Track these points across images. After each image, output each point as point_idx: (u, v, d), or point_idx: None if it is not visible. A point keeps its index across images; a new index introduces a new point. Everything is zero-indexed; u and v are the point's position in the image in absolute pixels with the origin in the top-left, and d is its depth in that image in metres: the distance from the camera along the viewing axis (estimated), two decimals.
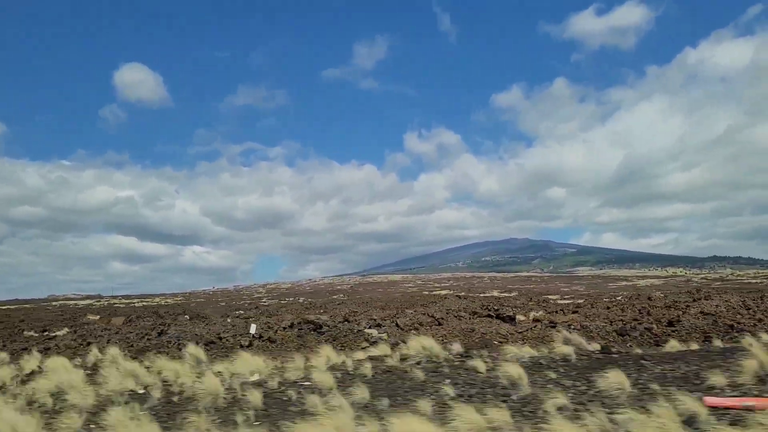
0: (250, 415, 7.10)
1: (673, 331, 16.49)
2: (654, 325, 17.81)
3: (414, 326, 19.47)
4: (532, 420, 6.02)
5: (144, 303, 55.83)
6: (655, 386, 7.29)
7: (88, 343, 17.38)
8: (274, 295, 67.64)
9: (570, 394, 7.11)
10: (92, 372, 10.43)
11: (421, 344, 10.96)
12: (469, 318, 21.37)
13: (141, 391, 8.93)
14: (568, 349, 10.27)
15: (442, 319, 21.23)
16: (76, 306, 51.64)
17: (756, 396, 6.64)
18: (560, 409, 6.47)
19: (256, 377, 9.59)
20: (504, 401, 7.03)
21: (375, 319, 21.65)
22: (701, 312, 19.60)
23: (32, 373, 10.97)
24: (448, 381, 8.52)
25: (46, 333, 24.04)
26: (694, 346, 12.27)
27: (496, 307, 23.78)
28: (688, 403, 5.83)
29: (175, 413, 7.31)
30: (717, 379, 7.41)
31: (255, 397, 7.75)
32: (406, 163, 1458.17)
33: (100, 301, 68.36)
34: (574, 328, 17.49)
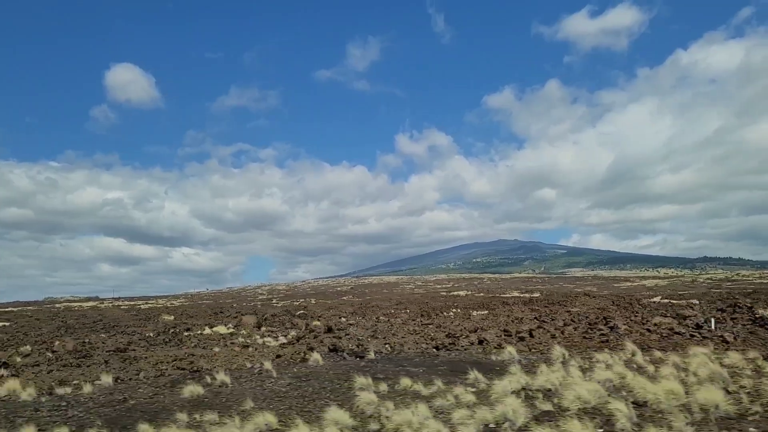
0: None
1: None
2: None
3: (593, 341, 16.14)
4: None
5: (150, 305, 52.84)
6: None
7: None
8: (280, 296, 64.67)
9: None
10: None
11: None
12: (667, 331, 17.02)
13: None
14: None
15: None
16: (99, 308, 48.46)
17: None
18: None
19: None
20: None
21: (509, 332, 18.50)
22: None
23: None
24: None
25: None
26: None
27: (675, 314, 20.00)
28: None
29: None
30: None
31: None
32: (397, 164, 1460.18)
33: (109, 302, 65.08)
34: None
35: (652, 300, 28.36)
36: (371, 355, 15.44)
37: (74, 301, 75.22)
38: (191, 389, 10.98)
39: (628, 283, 72.02)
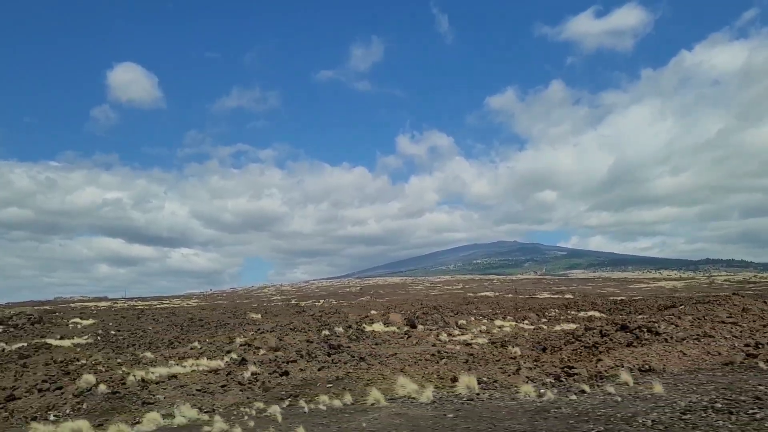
0: None
1: None
2: None
3: None
4: None
5: (165, 305, 51.41)
6: None
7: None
8: (296, 296, 63.19)
9: None
10: None
11: None
12: None
13: None
14: None
15: None
16: (135, 307, 46.82)
17: None
18: None
19: None
20: None
21: None
22: None
23: None
24: None
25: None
26: None
27: None
28: None
29: None
30: None
31: None
32: (398, 165, 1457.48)
33: (123, 302, 63.51)
34: None
35: None
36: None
37: (85, 301, 74.08)
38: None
39: (643, 285, 70.82)
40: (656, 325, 16.69)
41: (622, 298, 38.86)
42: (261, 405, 10.34)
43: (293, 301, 50.94)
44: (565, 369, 13.00)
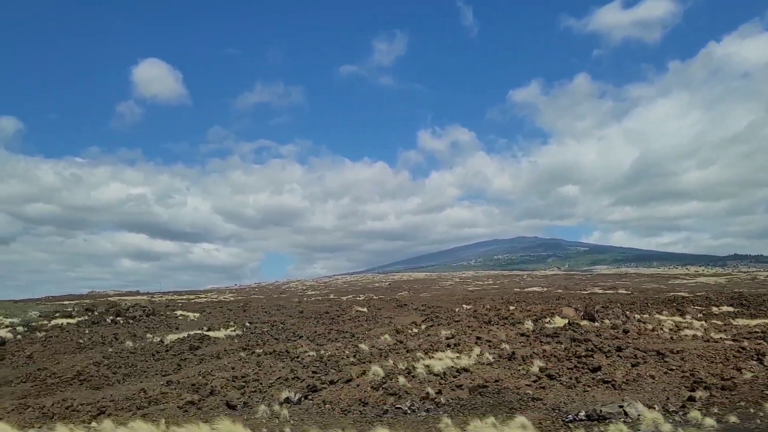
0: None
1: None
2: None
3: None
4: None
5: (202, 299, 53.44)
6: None
7: None
8: (326, 291, 64.83)
9: None
10: None
11: None
12: None
13: None
14: None
15: None
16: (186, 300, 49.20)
17: None
18: None
19: None
20: None
21: None
22: None
23: None
24: None
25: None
26: None
27: None
28: None
29: None
30: None
31: None
32: (418, 160, 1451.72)
33: (159, 296, 66.20)
34: None
35: None
36: None
37: (121, 295, 76.64)
38: None
39: (684, 281, 70.76)
40: None
41: (699, 293, 35.78)
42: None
43: (331, 296, 51.97)
44: None
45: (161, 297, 65.48)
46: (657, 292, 35.52)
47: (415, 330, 20.28)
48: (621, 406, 9.99)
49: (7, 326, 25.45)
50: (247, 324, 25.28)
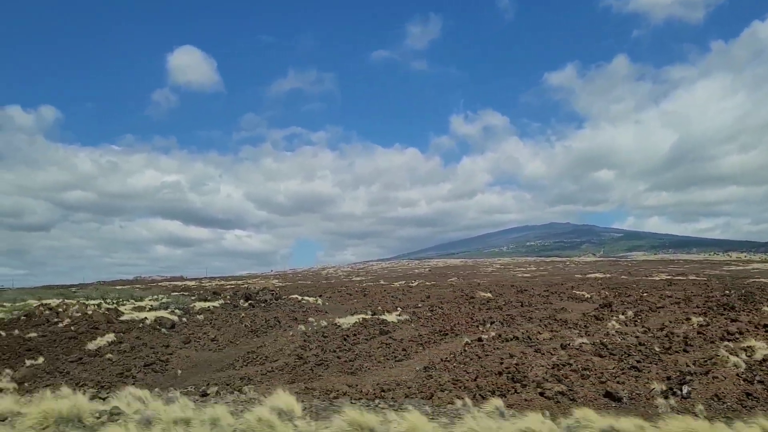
0: None
1: None
2: None
3: None
4: None
5: (238, 284, 56.48)
6: None
7: None
8: (370, 277, 67.89)
9: None
10: None
11: None
12: None
13: None
14: None
15: None
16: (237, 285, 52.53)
17: None
18: None
19: None
20: None
21: None
22: None
23: None
24: None
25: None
26: None
27: None
28: None
29: None
30: None
31: None
32: (450, 146, 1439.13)
33: (207, 281, 70.33)
34: None
35: None
36: None
37: (166, 280, 79.44)
38: None
39: (734, 267, 71.85)
40: None
41: None
42: None
43: (381, 281, 53.37)
44: None
45: (209, 282, 67.55)
46: (749, 277, 35.31)
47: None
48: None
49: (164, 309, 26.39)
50: (412, 309, 24.40)
